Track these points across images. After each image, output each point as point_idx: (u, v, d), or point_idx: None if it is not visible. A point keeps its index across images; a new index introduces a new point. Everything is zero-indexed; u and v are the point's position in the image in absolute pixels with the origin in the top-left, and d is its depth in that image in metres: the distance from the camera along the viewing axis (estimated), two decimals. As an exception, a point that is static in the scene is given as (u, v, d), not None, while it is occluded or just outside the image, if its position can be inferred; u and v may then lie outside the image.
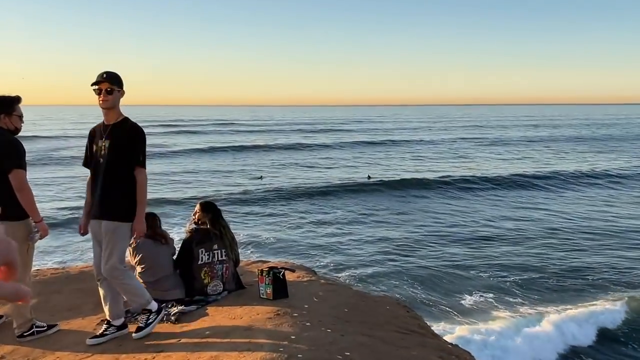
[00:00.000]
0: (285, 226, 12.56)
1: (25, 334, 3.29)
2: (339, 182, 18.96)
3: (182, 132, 47.18)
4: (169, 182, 18.89)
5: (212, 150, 30.73)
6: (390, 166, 24.48)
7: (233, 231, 4.46)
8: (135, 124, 3.15)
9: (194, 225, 4.25)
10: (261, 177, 20.41)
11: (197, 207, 4.27)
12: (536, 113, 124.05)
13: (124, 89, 3.12)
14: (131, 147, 3.06)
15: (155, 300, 3.90)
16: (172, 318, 3.59)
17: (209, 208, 4.22)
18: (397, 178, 19.61)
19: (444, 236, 11.52)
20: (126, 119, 3.15)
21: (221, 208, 4.38)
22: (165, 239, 4.16)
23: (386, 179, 19.23)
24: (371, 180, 19.30)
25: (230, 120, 76.49)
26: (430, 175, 20.19)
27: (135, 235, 3.09)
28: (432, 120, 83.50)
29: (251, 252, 10.23)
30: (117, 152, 3.05)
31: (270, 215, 13.77)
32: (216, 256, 4.12)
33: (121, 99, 3.13)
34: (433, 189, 17.41)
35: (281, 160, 27.04)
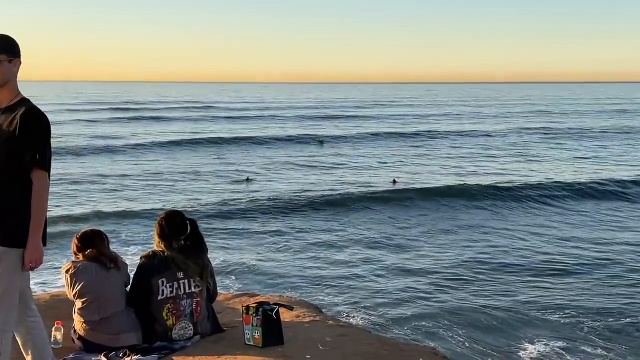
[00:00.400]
0: (279, 248, 12.59)
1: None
2: (354, 188, 18.96)
3: (138, 119, 47.51)
4: (122, 188, 19.01)
5: (180, 143, 30.88)
6: (424, 167, 24.46)
7: (209, 253, 4.47)
8: (36, 108, 2.99)
9: (154, 248, 4.29)
10: (248, 180, 20.55)
11: (157, 221, 4.31)
12: (622, 93, 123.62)
13: (21, 58, 2.96)
14: (25, 141, 2.89)
15: (102, 347, 3.96)
16: (125, 373, 3.59)
17: (174, 221, 4.22)
18: (434, 184, 19.60)
19: (497, 264, 11.49)
20: (24, 101, 3.02)
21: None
22: (114, 263, 4.18)
23: (418, 186, 19.23)
24: (397, 186, 19.36)
25: (205, 103, 76.76)
26: (479, 180, 20.14)
27: (27, 267, 2.95)
28: (478, 103, 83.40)
29: (233, 282, 10.28)
30: (6, 146, 2.91)
31: (259, 233, 13.81)
32: (182, 288, 4.12)
33: (19, 73, 2.99)
34: (483, 199, 17.39)
35: (275, 157, 27.09)
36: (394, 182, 20.04)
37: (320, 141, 30.38)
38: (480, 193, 17.92)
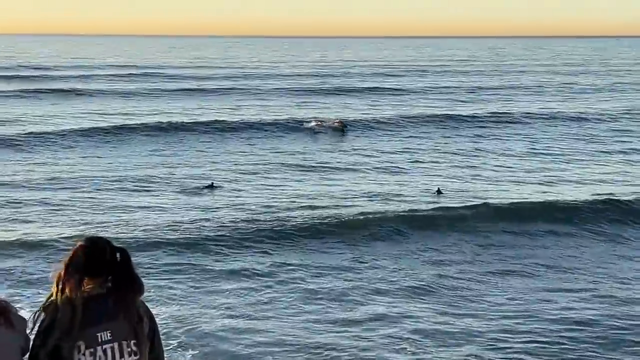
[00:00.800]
0: (259, 297, 12.51)
1: None
2: (376, 203, 18.94)
3: (39, 92, 47.14)
4: (13, 204, 18.88)
5: (106, 132, 30.75)
6: (484, 170, 24.43)
7: (150, 305, 4.54)
8: None
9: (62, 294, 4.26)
10: (212, 187, 20.74)
11: (72, 251, 4.32)
12: None
13: None
14: None
15: None
16: None
17: (94, 253, 4.27)
18: (502, 197, 19.50)
19: (613, 327, 11.31)
20: None
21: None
22: (3, 317, 4.16)
23: (476, 200, 19.16)
24: (444, 199, 19.40)
25: (144, 67, 76.76)
26: (575, 192, 19.98)
27: None
28: (567, 67, 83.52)
29: (184, 349, 10.24)
30: None
31: (227, 272, 13.72)
32: (110, 355, 4.15)
33: None
34: (584, 220, 17.33)
35: (253, 153, 27.07)
36: (438, 192, 20.08)
37: (340, 128, 30.63)
38: (578, 211, 17.78)
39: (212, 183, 20.95)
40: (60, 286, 4.22)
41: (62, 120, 34.81)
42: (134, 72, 67.99)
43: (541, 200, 19.07)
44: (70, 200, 19.27)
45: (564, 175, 23.47)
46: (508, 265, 14.38)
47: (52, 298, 4.23)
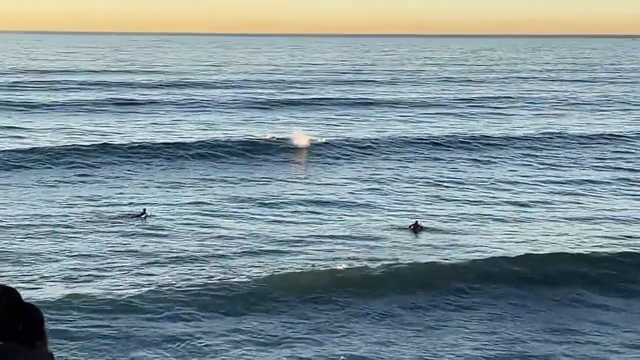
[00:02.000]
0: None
1: None
2: (343, 246, 18.89)
3: None
4: None
5: (7, 158, 30.03)
6: (479, 203, 24.36)
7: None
8: None
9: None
10: (143, 215, 21.42)
11: None
12: None
13: None
14: None
15: None
16: None
17: (14, 304, 4.12)
18: (499, 247, 19.29)
19: None
20: None
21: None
22: None
23: (478, 251, 18.93)
24: (424, 237, 19.70)
25: (54, 71, 76.82)
26: (606, 240, 19.89)
27: None
28: (581, 74, 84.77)
29: None
30: None
31: (154, 339, 13.57)
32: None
33: None
34: (593, 271, 17.29)
35: (191, 181, 27.12)
36: (416, 227, 20.35)
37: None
38: (589, 262, 17.79)
39: (145, 210, 21.53)
40: None
41: None
42: (44, 80, 65.71)
43: (567, 254, 18.52)
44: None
45: (567, 212, 23.34)
46: (504, 344, 13.86)
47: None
